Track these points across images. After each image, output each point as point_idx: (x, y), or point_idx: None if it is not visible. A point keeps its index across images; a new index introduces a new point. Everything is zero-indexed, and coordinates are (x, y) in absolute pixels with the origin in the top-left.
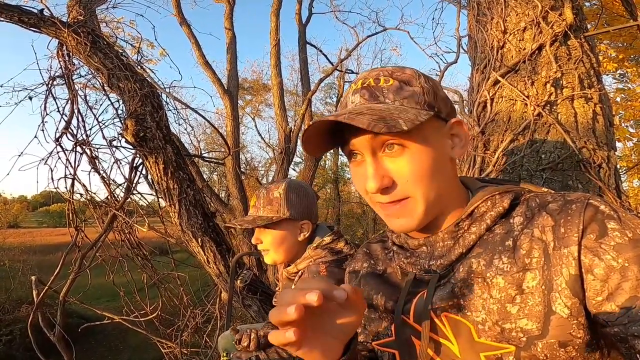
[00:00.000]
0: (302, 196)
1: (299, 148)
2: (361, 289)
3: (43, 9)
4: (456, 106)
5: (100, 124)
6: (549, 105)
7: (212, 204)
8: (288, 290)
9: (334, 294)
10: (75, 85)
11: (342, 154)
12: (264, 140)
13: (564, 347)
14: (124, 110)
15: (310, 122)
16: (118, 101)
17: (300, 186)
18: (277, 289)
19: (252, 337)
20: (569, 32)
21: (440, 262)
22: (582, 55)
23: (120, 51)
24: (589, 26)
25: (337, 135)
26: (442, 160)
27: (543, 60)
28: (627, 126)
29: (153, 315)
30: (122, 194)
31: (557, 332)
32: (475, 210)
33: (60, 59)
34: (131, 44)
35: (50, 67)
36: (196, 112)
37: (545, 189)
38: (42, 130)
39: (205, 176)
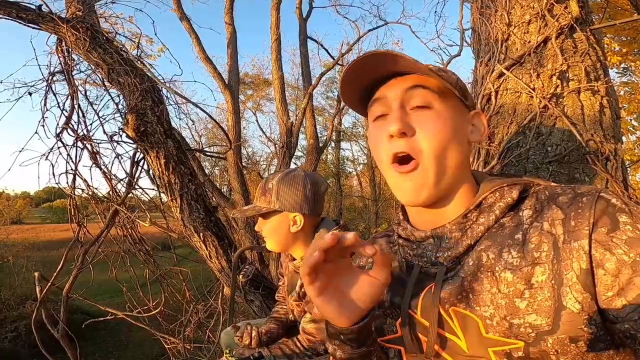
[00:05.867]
0: (296, 188)
1: (300, 142)
2: (390, 254)
3: (41, 5)
4: None
5: (101, 119)
6: (555, 98)
7: (213, 199)
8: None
9: (365, 246)
10: (75, 81)
11: (342, 148)
12: (265, 135)
13: (575, 342)
14: (125, 105)
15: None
16: (118, 96)
17: (295, 177)
18: (280, 283)
19: (252, 334)
20: (574, 24)
21: (447, 254)
22: (588, 48)
23: (120, 46)
24: (594, 19)
25: (367, 97)
26: (460, 137)
27: (549, 52)
28: (630, 119)
29: (156, 310)
30: (123, 189)
31: (568, 327)
32: (483, 202)
33: (59, 55)
34: (131, 39)
35: (50, 63)
36: (197, 106)
37: (555, 184)
38: (43, 125)
39: (207, 171)
